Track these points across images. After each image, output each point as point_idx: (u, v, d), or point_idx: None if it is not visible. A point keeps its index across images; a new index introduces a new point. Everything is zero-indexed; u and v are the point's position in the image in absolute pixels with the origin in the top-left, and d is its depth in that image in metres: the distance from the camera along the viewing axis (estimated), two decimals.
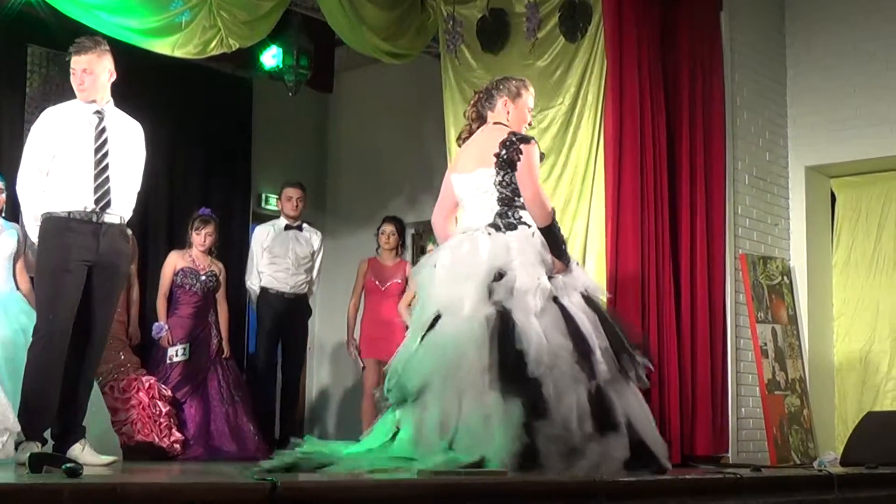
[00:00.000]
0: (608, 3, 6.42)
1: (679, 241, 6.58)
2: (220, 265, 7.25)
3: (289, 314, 7.39)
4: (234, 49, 6.52)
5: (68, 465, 3.07)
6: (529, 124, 5.11)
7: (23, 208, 4.91)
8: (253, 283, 7.42)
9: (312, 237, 7.57)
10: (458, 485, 3.36)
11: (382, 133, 9.44)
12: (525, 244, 4.62)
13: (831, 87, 7.48)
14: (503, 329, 4.40)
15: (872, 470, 5.14)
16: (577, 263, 4.87)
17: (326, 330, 9.44)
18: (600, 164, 6.43)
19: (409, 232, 9.20)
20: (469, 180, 4.79)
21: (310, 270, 7.49)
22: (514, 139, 4.71)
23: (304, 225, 7.57)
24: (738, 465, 6.00)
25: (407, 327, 7.03)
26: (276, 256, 7.37)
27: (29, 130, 5.07)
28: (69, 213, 4.76)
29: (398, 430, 4.43)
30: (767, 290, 7.23)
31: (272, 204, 8.83)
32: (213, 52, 6.46)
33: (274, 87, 8.75)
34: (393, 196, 9.15)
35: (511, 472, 3.96)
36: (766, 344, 7.10)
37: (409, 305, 7.26)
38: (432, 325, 4.57)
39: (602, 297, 4.89)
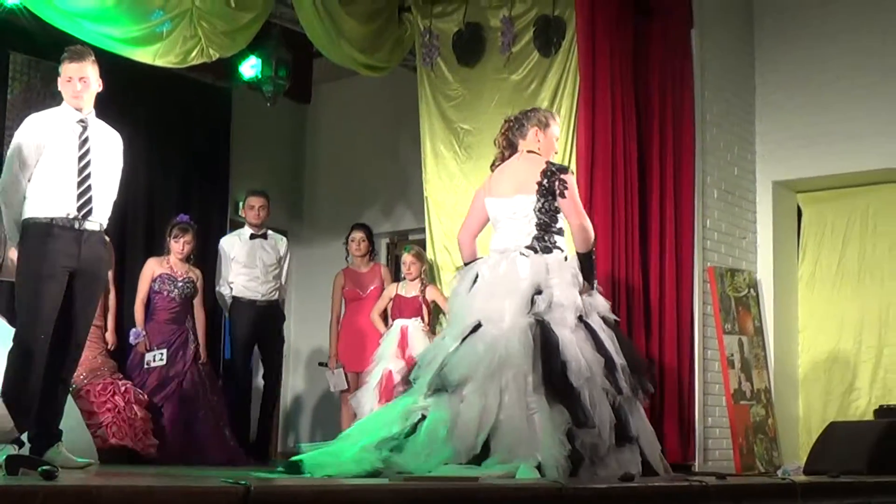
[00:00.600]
0: (581, 19, 6.52)
1: (648, 254, 6.68)
2: (198, 272, 7.28)
3: (263, 321, 7.42)
4: (214, 59, 6.58)
5: (44, 467, 3.08)
6: (556, 153, 5.35)
7: (4, 214, 4.92)
8: (224, 291, 7.46)
9: (278, 243, 7.57)
10: (432, 490, 3.39)
11: (359, 144, 9.50)
12: (562, 266, 4.90)
13: (799, 104, 7.60)
14: (545, 338, 4.67)
15: (835, 479, 5.19)
16: (599, 288, 5.13)
17: (301, 337, 9.48)
18: None
19: (385, 241, 9.28)
20: (506, 204, 5.04)
21: (278, 277, 7.52)
22: (553, 169, 4.99)
23: (269, 232, 7.59)
24: (704, 473, 6.08)
25: (381, 335, 7.14)
26: (244, 266, 7.39)
27: (9, 137, 5.09)
28: (52, 219, 4.78)
29: (422, 417, 4.58)
30: (734, 302, 7.34)
31: None
32: (194, 62, 6.52)
33: (253, 97, 8.80)
34: (369, 206, 9.21)
35: (560, 475, 4.20)
36: (732, 355, 7.20)
37: (381, 314, 7.33)
38: (473, 331, 4.81)
39: (614, 319, 5.11)
